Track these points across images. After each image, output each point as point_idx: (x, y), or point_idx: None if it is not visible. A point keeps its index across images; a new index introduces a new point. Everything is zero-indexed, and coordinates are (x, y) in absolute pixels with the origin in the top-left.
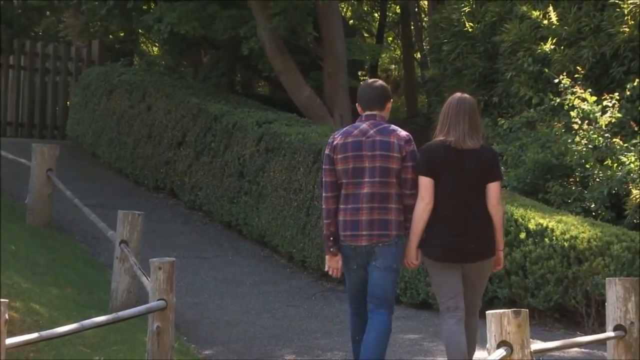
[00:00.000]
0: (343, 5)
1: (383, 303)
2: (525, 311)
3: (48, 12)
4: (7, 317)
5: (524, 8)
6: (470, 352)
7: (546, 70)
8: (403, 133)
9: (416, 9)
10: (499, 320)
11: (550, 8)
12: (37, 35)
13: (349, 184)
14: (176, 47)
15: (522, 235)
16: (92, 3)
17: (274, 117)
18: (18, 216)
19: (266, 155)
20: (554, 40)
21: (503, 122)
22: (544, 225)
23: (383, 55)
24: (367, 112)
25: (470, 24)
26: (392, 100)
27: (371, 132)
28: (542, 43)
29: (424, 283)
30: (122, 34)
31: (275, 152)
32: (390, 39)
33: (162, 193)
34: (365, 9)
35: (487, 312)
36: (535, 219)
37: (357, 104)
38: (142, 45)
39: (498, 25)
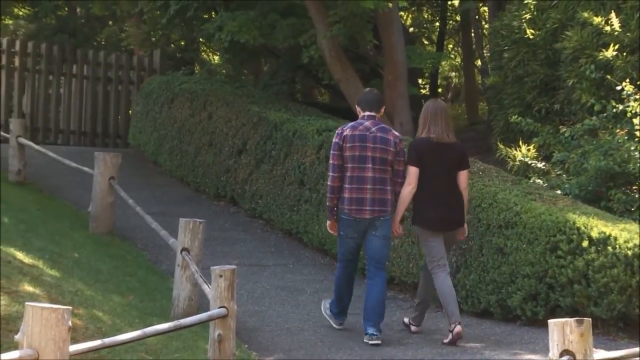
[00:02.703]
0: (403, 13)
1: (382, 266)
2: (588, 320)
3: (110, 22)
4: (70, 324)
5: (586, 14)
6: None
7: (608, 77)
8: (396, 133)
9: (476, 17)
10: (562, 329)
11: (613, 14)
12: (99, 44)
13: (354, 168)
14: (237, 56)
15: (585, 244)
16: (154, 12)
17: (334, 125)
18: (81, 224)
19: (326, 163)
20: (617, 47)
21: (565, 129)
22: (607, 233)
23: (443, 63)
24: (367, 113)
25: (531, 30)
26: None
27: (373, 129)
28: (604, 50)
29: (485, 291)
30: (183, 43)
31: None
32: (451, 46)
33: (223, 201)
34: (426, 16)
35: (549, 320)
36: (598, 227)
37: (357, 106)
38: (203, 54)
39: (559, 32)
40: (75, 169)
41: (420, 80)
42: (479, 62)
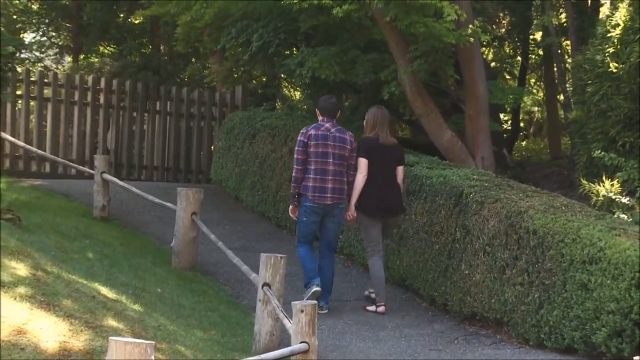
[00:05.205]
0: (484, 48)
1: (334, 248)
2: None
3: (193, 59)
4: (153, 359)
5: None
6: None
7: None
8: (351, 133)
9: (559, 51)
10: None
11: None
12: (182, 81)
13: (318, 162)
14: (318, 91)
15: None
16: (236, 49)
17: (415, 160)
18: (164, 259)
19: (407, 198)
20: None
21: None
22: None
23: (525, 98)
24: (326, 117)
25: (615, 64)
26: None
27: (332, 129)
28: None
29: (569, 328)
30: (264, 79)
31: (417, 195)
32: (533, 80)
33: None
34: (507, 51)
35: (635, 357)
36: None
37: (317, 110)
38: (284, 90)
39: None
40: (158, 205)
41: (502, 115)
42: (561, 97)
